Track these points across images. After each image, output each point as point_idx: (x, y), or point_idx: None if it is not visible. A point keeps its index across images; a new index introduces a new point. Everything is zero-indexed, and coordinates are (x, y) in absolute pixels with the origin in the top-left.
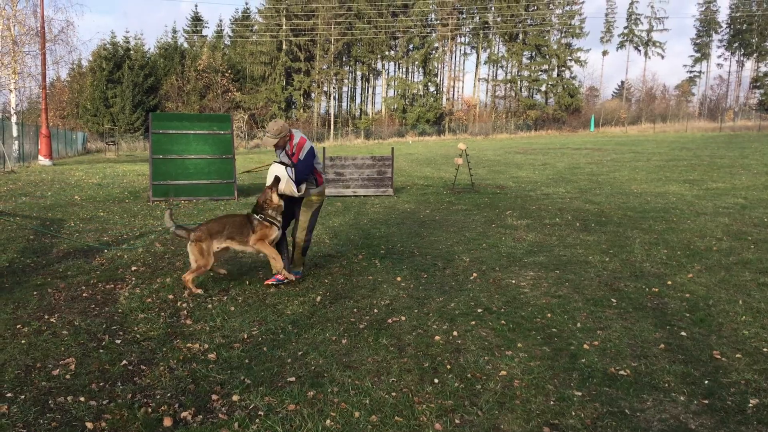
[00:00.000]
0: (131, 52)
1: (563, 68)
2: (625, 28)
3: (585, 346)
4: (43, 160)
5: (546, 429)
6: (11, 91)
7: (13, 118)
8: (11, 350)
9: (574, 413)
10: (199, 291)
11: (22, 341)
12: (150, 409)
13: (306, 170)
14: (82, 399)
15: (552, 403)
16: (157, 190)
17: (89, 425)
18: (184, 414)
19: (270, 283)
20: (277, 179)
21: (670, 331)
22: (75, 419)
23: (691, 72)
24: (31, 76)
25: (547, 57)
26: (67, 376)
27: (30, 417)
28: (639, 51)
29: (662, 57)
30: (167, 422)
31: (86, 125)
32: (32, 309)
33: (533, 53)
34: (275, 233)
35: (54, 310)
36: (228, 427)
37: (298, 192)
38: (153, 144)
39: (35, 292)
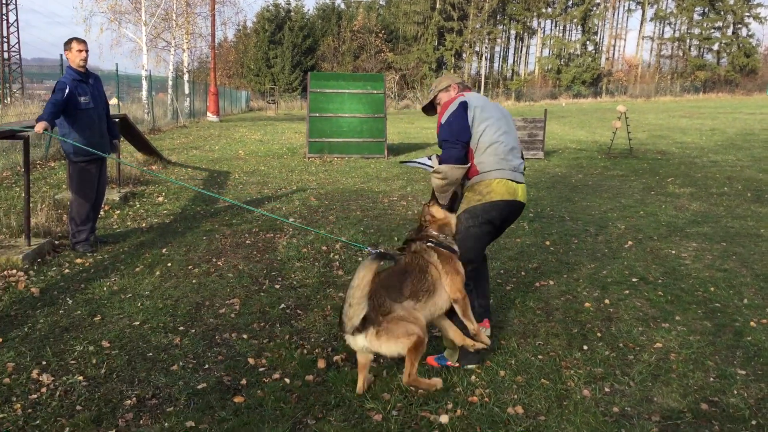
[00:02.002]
0: (291, 13)
1: (740, 25)
2: None
3: (752, 323)
4: (211, 117)
5: (704, 405)
6: (184, 50)
7: (186, 77)
8: (183, 288)
9: (736, 392)
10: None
11: (193, 281)
12: (305, 351)
13: (445, 138)
14: (245, 336)
15: (712, 379)
16: (312, 146)
17: (251, 361)
18: (336, 358)
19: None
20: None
21: None
22: (239, 354)
23: None
24: (201, 37)
25: (722, 13)
26: (232, 315)
27: (199, 349)
28: None
29: None
30: (321, 364)
31: (249, 84)
32: (202, 252)
33: (706, 9)
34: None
35: (221, 254)
36: (377, 374)
37: (441, 179)
38: (310, 102)
39: (204, 237)
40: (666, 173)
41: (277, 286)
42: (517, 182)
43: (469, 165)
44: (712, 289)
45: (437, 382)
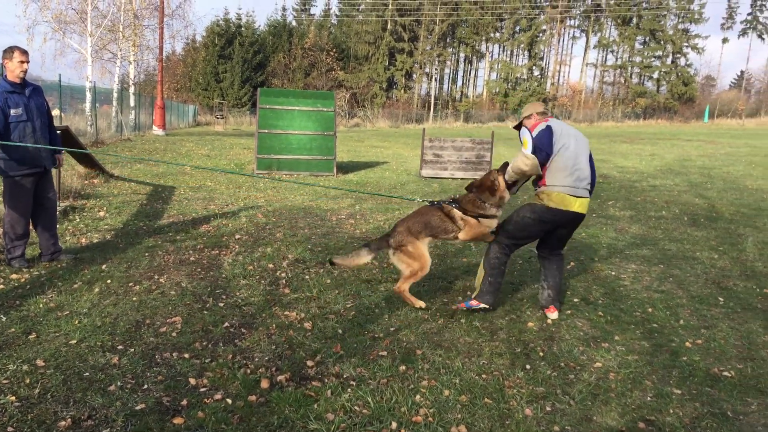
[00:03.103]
0: (242, 29)
1: (678, 55)
2: (748, 14)
3: (687, 344)
4: (156, 130)
5: (641, 424)
6: (130, 62)
7: (131, 89)
8: (123, 306)
9: (672, 411)
10: (422, 303)
11: (134, 298)
12: (249, 371)
13: (538, 146)
14: (186, 356)
15: (649, 398)
16: (261, 163)
17: (192, 381)
18: (280, 378)
19: (461, 307)
20: (505, 164)
21: None
22: (179, 374)
23: None
24: (149, 49)
25: (662, 43)
26: (174, 334)
27: (138, 369)
28: (763, 39)
29: None
30: (264, 384)
31: (197, 98)
32: (143, 269)
33: (647, 38)
34: (487, 232)
35: (163, 271)
36: (321, 393)
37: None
38: (260, 118)
39: (146, 253)
40: (607, 196)
41: (221, 304)
42: (576, 196)
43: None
44: (650, 310)
45: (420, 303)
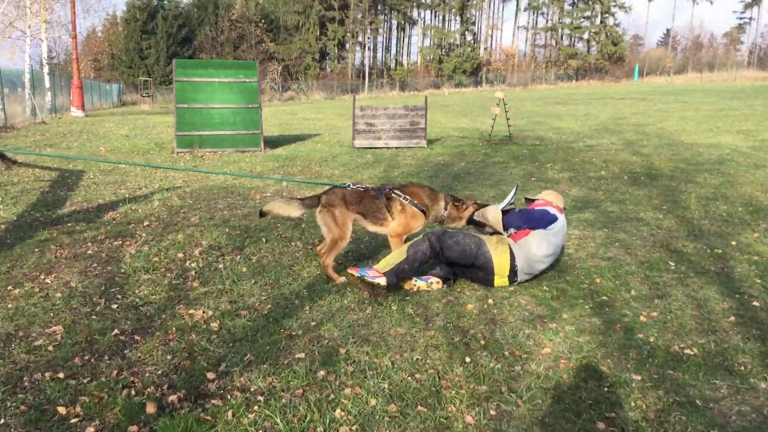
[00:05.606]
0: (165, 2)
1: (607, 15)
2: None
3: (641, 317)
4: (75, 112)
5: (601, 425)
6: (42, 40)
7: (45, 69)
8: None
9: (633, 403)
10: (342, 279)
11: (9, 305)
12: (134, 391)
13: (525, 215)
14: (61, 376)
15: (606, 389)
16: (181, 141)
17: (62, 410)
18: (172, 398)
19: (354, 272)
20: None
21: (740, 300)
22: (48, 402)
23: (741, 19)
24: (62, 25)
25: (590, 3)
26: (50, 348)
27: None
28: None
29: (711, 3)
30: (150, 408)
31: (122, 77)
32: (29, 268)
33: None
34: (420, 225)
35: (52, 269)
36: (220, 416)
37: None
38: (177, 92)
39: (36, 249)
40: (545, 159)
41: (115, 306)
42: (510, 277)
43: (502, 233)
44: (598, 281)
45: (341, 279)
